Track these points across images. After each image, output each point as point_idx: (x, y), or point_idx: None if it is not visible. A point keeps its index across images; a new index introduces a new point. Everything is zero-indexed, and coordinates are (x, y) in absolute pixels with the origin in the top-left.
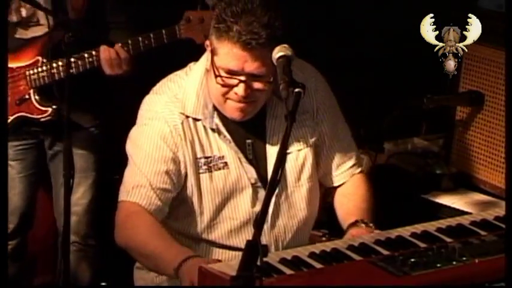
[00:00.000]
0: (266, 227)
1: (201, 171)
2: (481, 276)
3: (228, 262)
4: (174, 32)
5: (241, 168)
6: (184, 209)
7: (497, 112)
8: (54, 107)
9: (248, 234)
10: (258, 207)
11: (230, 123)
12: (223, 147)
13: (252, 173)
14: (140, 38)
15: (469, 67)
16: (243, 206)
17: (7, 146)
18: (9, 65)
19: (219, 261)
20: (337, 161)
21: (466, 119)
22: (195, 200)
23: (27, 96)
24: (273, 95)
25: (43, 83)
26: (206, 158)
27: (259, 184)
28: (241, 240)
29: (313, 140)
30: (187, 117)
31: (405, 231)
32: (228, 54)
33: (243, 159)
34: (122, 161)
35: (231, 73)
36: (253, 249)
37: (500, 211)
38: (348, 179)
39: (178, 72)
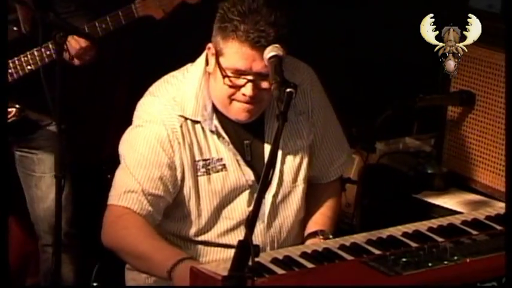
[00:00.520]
0: (263, 227)
1: (199, 173)
2: (472, 275)
3: (219, 262)
4: (131, 12)
5: (239, 171)
6: (181, 210)
7: (489, 112)
8: (17, 106)
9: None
10: None
11: (228, 124)
12: (221, 149)
13: (249, 174)
14: (96, 23)
15: (460, 67)
16: (240, 207)
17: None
18: None
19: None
20: (328, 160)
21: (457, 118)
22: (192, 202)
23: None
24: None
25: None
26: (204, 160)
27: (257, 185)
28: (237, 238)
29: (309, 140)
30: (186, 119)
31: (397, 231)
32: (237, 53)
33: (241, 161)
34: (114, 161)
35: (239, 73)
36: (245, 249)
37: (492, 211)
38: (336, 178)
39: (175, 73)
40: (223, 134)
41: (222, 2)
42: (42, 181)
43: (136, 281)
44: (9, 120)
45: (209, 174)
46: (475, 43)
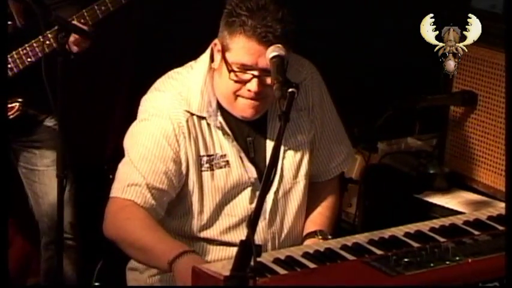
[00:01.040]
0: (264, 223)
1: (203, 169)
2: (474, 275)
3: (221, 262)
4: None
5: (242, 167)
6: (184, 207)
7: (491, 112)
8: (20, 100)
9: (246, 229)
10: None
11: (232, 121)
12: (225, 145)
13: (252, 171)
14: (96, 6)
15: (462, 67)
16: (242, 204)
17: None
18: None
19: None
20: (326, 157)
21: (459, 119)
22: (195, 198)
23: None
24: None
25: None
26: (208, 156)
27: (258, 182)
28: (239, 235)
29: (310, 136)
30: (192, 115)
31: (399, 231)
32: (243, 48)
33: (245, 158)
34: (115, 161)
35: (245, 68)
36: (247, 249)
37: (494, 211)
38: (336, 175)
39: (179, 70)
40: (228, 131)
41: None
42: (45, 175)
43: (137, 281)
44: (12, 116)
45: (212, 170)
46: (477, 43)
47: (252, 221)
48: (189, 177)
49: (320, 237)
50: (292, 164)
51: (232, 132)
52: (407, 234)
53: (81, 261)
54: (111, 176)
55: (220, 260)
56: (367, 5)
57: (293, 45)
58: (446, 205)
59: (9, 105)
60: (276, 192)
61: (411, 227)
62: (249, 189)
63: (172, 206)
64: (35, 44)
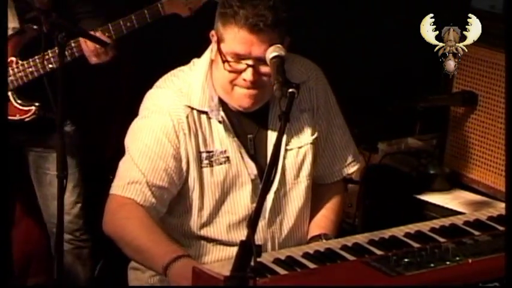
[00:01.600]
0: (264, 223)
1: (203, 165)
2: (474, 276)
3: (221, 262)
4: (157, 10)
5: (242, 164)
6: (184, 204)
7: (491, 112)
8: (37, 104)
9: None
10: None
11: (233, 117)
12: (225, 141)
13: (252, 168)
14: (121, 21)
15: (463, 67)
16: (242, 201)
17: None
18: None
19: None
20: (331, 160)
21: (459, 119)
22: (195, 194)
23: None
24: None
25: (21, 84)
26: (208, 152)
27: (259, 180)
28: (239, 235)
29: (313, 137)
30: (192, 110)
31: (399, 231)
32: (235, 38)
33: (245, 154)
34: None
35: (238, 57)
36: (247, 249)
37: (494, 211)
38: (340, 178)
39: (182, 68)
40: (229, 126)
41: None
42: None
43: (139, 281)
44: (28, 119)
45: (212, 166)
46: (477, 43)
47: (252, 221)
48: (190, 173)
49: (324, 240)
50: (294, 164)
51: (233, 128)
52: (407, 235)
53: (94, 260)
54: (111, 177)
55: (220, 260)
56: (367, 5)
57: (286, 33)
58: (447, 205)
59: (26, 108)
60: (277, 192)
61: (411, 227)
62: (249, 187)
63: (173, 204)
64: (57, 51)
